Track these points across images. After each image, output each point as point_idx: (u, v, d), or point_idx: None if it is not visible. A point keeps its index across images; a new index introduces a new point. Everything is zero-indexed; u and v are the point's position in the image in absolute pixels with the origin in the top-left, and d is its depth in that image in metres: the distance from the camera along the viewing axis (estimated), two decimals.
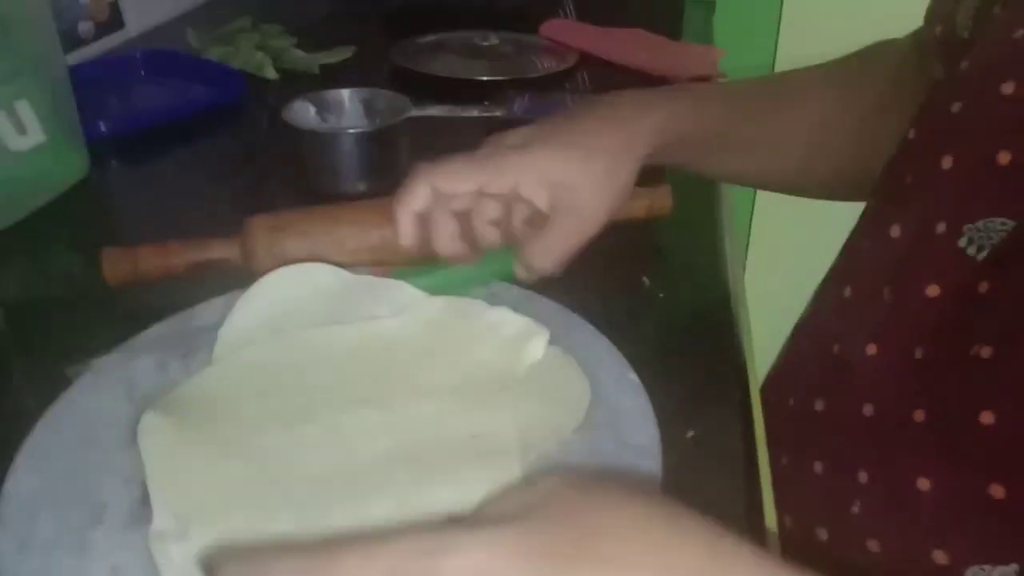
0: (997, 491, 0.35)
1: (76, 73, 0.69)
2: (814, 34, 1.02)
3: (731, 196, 0.68)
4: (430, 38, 0.99)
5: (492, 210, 0.45)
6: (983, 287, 0.37)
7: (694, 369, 0.47)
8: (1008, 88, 0.38)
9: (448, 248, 0.46)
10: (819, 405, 0.46)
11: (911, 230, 0.42)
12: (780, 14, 1.16)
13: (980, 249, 0.38)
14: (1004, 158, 0.37)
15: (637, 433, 0.37)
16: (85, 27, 0.94)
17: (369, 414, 0.38)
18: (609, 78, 0.91)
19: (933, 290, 0.39)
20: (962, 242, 0.38)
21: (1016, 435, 0.35)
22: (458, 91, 0.84)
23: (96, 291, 0.54)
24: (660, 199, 0.55)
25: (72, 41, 0.91)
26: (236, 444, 0.36)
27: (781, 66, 1.17)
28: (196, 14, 1.09)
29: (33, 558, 0.31)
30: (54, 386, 0.40)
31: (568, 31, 1.01)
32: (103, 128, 0.73)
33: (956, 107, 0.41)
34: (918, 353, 0.39)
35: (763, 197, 1.38)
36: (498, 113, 0.78)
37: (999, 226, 0.37)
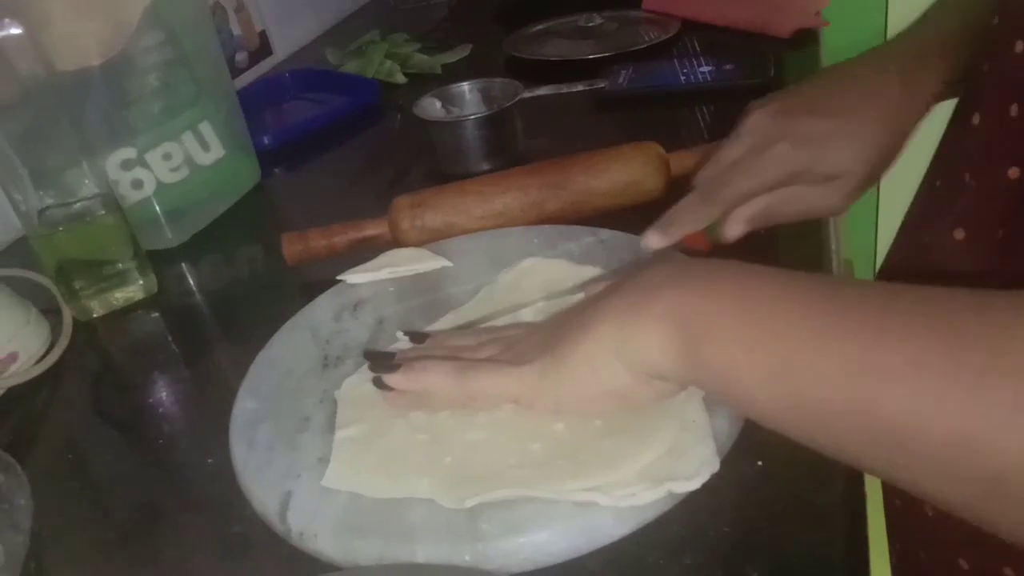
0: None
1: (239, 96, 0.81)
2: None
3: None
4: (539, 27, 1.07)
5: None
6: None
7: None
8: None
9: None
10: None
11: (989, 116, 0.42)
12: None
13: None
14: None
15: None
16: (241, 56, 1.09)
17: None
18: (712, 40, 0.95)
19: (1014, 172, 0.40)
20: None
21: None
22: (568, 71, 0.90)
23: (274, 271, 0.66)
24: None
25: (232, 70, 1.05)
26: None
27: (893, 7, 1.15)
28: (331, 34, 1.22)
29: (258, 453, 0.41)
30: (250, 347, 0.50)
31: (670, 1, 1.05)
32: (266, 141, 0.86)
33: None
34: (999, 234, 0.40)
35: None
36: (602, 85, 0.84)
37: None
